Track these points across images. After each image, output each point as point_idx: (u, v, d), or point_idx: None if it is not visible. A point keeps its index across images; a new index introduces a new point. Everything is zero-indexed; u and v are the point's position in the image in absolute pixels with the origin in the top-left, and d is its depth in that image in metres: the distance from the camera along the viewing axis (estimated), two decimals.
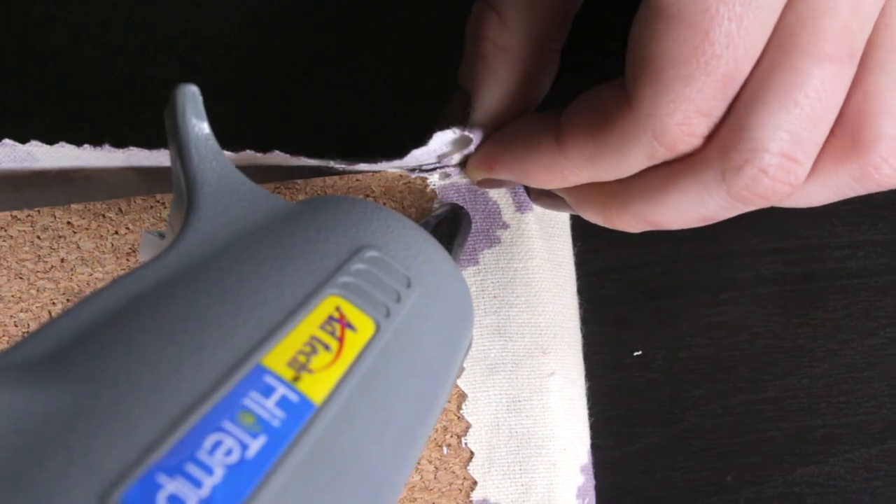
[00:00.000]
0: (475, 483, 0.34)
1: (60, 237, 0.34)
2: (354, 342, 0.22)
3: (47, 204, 0.34)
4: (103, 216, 0.34)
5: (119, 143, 0.31)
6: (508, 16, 0.32)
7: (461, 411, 0.34)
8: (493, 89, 0.33)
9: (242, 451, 0.18)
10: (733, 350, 0.37)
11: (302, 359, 0.20)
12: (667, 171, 0.29)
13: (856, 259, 0.37)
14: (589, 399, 0.36)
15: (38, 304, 0.34)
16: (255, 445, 0.18)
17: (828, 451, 0.37)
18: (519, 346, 0.34)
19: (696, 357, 0.37)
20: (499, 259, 0.35)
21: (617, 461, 0.37)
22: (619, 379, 0.37)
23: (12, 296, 0.34)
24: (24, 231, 0.34)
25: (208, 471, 0.17)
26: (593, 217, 0.33)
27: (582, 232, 0.36)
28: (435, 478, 0.34)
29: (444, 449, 0.34)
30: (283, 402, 0.19)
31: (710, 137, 0.28)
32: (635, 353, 0.37)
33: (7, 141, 0.31)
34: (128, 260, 0.34)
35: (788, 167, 0.27)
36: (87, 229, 0.34)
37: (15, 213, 0.34)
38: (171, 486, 0.17)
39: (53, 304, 0.34)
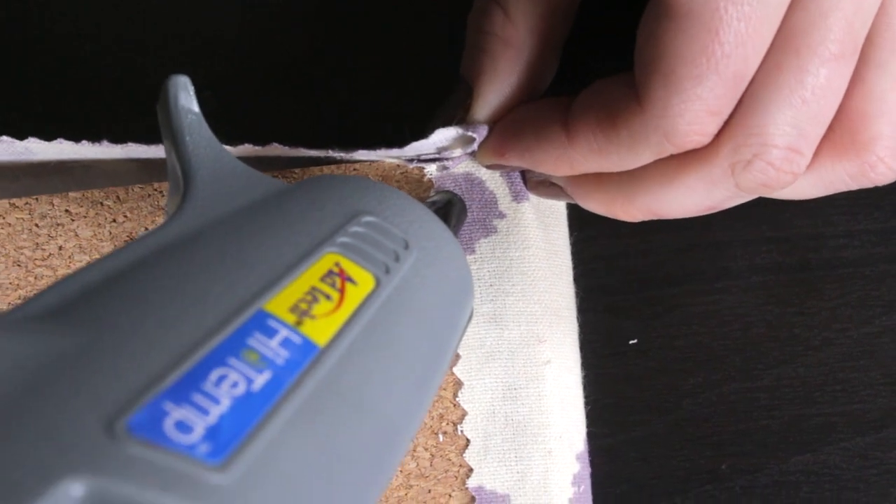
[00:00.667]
0: (471, 470, 0.34)
1: (59, 225, 0.34)
2: (355, 294, 0.22)
3: (45, 192, 0.35)
4: (101, 204, 0.34)
5: (117, 139, 0.31)
6: (512, 10, 0.32)
7: (457, 399, 0.34)
8: (496, 83, 0.33)
9: (248, 385, 0.18)
10: (728, 339, 0.37)
11: (304, 306, 0.21)
12: (674, 164, 0.30)
13: (851, 248, 0.38)
14: (585, 387, 0.36)
15: (36, 291, 0.34)
16: (261, 380, 0.18)
17: (823, 439, 0.37)
18: (515, 334, 0.34)
19: (691, 346, 0.37)
20: (495, 248, 0.35)
21: (612, 449, 0.37)
22: (614, 367, 0.37)
23: (10, 283, 0.34)
24: (22, 219, 0.34)
25: (215, 401, 0.17)
26: (595, 207, 0.33)
27: (578, 221, 0.36)
28: (431, 465, 0.34)
29: (440, 436, 0.34)
30: (286, 343, 0.20)
31: (719, 133, 0.28)
32: (631, 342, 0.37)
33: (5, 138, 0.31)
34: None
35: (793, 158, 0.28)
36: (84, 217, 0.34)
37: (13, 200, 0.34)
38: (178, 413, 0.17)
39: None
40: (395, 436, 0.21)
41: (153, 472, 0.16)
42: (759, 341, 0.37)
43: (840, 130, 0.29)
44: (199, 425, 0.17)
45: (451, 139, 0.33)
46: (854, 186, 0.30)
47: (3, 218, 0.34)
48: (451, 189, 0.35)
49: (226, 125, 0.36)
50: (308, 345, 0.20)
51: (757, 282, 0.37)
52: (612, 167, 0.30)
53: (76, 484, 0.15)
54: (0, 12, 0.37)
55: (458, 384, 0.34)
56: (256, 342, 0.19)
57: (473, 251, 0.35)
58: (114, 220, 0.34)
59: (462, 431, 0.34)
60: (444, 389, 0.34)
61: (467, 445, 0.34)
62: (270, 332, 0.20)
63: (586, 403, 0.36)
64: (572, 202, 0.34)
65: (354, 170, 0.35)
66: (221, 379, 0.18)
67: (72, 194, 0.34)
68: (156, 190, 0.34)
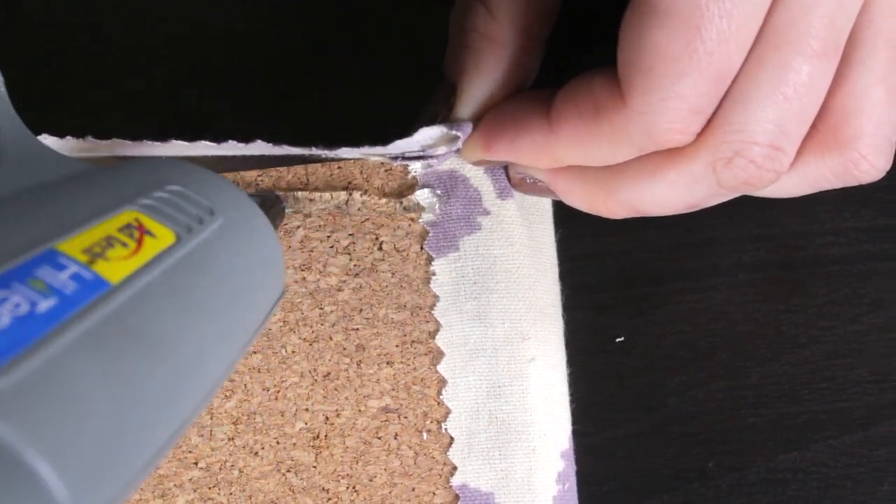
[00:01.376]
0: (455, 468, 0.34)
1: None
2: (153, 245, 0.22)
3: None
4: None
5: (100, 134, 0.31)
6: (495, 6, 0.32)
7: (441, 397, 0.34)
8: (480, 79, 0.33)
9: (32, 307, 0.18)
10: (715, 336, 0.37)
11: (98, 249, 0.21)
12: (655, 160, 0.30)
13: (838, 246, 0.37)
14: (570, 385, 0.36)
15: None
16: (45, 305, 0.18)
17: (810, 437, 0.37)
18: (499, 331, 0.34)
19: (677, 344, 0.37)
20: (479, 245, 0.35)
21: (598, 447, 0.37)
22: (600, 365, 0.37)
23: None
24: None
25: None
26: (578, 203, 0.33)
27: (563, 218, 0.36)
28: (415, 463, 0.34)
29: (424, 434, 0.34)
30: (75, 277, 0.20)
31: (701, 130, 0.28)
32: (617, 340, 0.37)
33: None
34: None
35: (774, 156, 0.28)
36: None
37: None
38: None
39: None
40: (187, 380, 0.21)
41: None
42: (746, 339, 0.37)
43: (823, 128, 0.29)
44: None
45: (435, 137, 0.33)
46: (838, 185, 0.30)
47: None
48: (435, 186, 0.35)
49: (213, 123, 0.36)
50: (99, 281, 0.20)
51: (743, 279, 0.37)
52: (594, 161, 0.30)
53: None
54: None
55: (442, 382, 0.34)
56: (44, 273, 0.19)
57: (457, 248, 0.35)
58: None
59: (446, 429, 0.34)
60: (428, 387, 0.34)
61: (451, 443, 0.34)
62: (59, 267, 0.20)
63: (572, 401, 0.36)
64: (556, 199, 0.34)
65: (339, 167, 0.35)
66: (3, 301, 0.18)
67: None
68: None
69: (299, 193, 0.35)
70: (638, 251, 0.37)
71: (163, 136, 0.32)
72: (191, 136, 0.32)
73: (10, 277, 0.19)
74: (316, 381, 0.34)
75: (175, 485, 0.34)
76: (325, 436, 0.34)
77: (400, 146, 0.32)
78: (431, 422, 0.34)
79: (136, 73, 0.38)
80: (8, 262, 0.19)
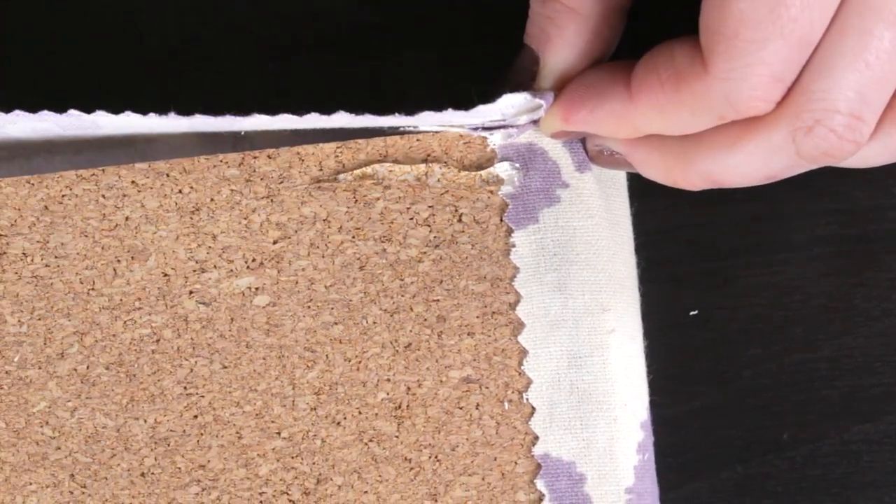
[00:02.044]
0: (536, 438, 0.34)
1: (125, 196, 0.34)
2: None
3: (109, 164, 0.35)
4: (167, 175, 0.34)
5: (182, 109, 0.32)
6: None
7: (522, 367, 0.35)
8: (563, 50, 0.33)
9: None
10: (789, 310, 0.37)
11: None
12: (735, 129, 0.30)
13: None
14: (646, 358, 0.36)
15: (103, 262, 0.34)
16: None
17: (884, 409, 0.37)
18: (579, 302, 0.35)
19: (751, 317, 0.37)
20: (558, 217, 0.35)
21: (674, 419, 0.37)
22: (675, 338, 0.37)
23: (77, 253, 0.34)
24: (88, 189, 0.34)
25: None
26: (655, 175, 0.33)
27: (639, 192, 0.36)
28: (496, 433, 0.34)
29: (506, 404, 0.35)
30: None
31: (781, 99, 0.28)
32: (691, 313, 0.38)
33: (73, 112, 0.31)
34: (191, 218, 0.34)
35: (855, 126, 0.28)
36: (150, 188, 0.34)
37: (80, 172, 0.34)
38: None
39: (118, 261, 0.34)
40: None
41: None
42: (820, 312, 0.37)
43: None
44: None
45: (517, 105, 0.33)
46: None
47: (71, 189, 0.34)
48: (514, 159, 0.35)
49: (291, 94, 0.36)
50: None
51: (817, 253, 0.37)
52: (673, 130, 0.31)
53: None
54: None
55: (523, 352, 0.35)
56: None
57: (537, 220, 0.35)
58: (179, 191, 0.34)
59: (527, 399, 0.35)
60: (509, 358, 0.35)
61: (532, 413, 0.35)
62: None
63: (648, 373, 0.36)
64: (632, 171, 0.34)
65: (418, 140, 0.35)
66: None
67: (137, 166, 0.34)
68: (221, 161, 0.35)
69: (379, 165, 0.35)
70: (712, 225, 0.38)
71: (244, 111, 0.32)
72: (271, 110, 0.32)
73: None
74: (397, 351, 0.35)
75: (258, 454, 0.34)
76: (407, 406, 0.34)
77: (482, 112, 0.33)
78: (513, 392, 0.35)
79: (198, 45, 0.38)
80: None
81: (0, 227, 0.34)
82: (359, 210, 0.34)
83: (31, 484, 0.34)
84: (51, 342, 0.34)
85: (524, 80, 0.33)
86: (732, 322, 0.37)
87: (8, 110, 0.31)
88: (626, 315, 0.35)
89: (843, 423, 0.37)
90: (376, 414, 0.34)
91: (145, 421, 0.34)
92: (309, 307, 0.34)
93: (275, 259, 0.34)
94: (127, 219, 0.34)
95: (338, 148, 0.35)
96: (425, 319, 0.35)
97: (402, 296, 0.35)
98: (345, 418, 0.34)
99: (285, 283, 0.34)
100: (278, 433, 0.34)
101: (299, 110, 0.32)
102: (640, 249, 0.36)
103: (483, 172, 0.35)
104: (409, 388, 0.34)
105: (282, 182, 0.34)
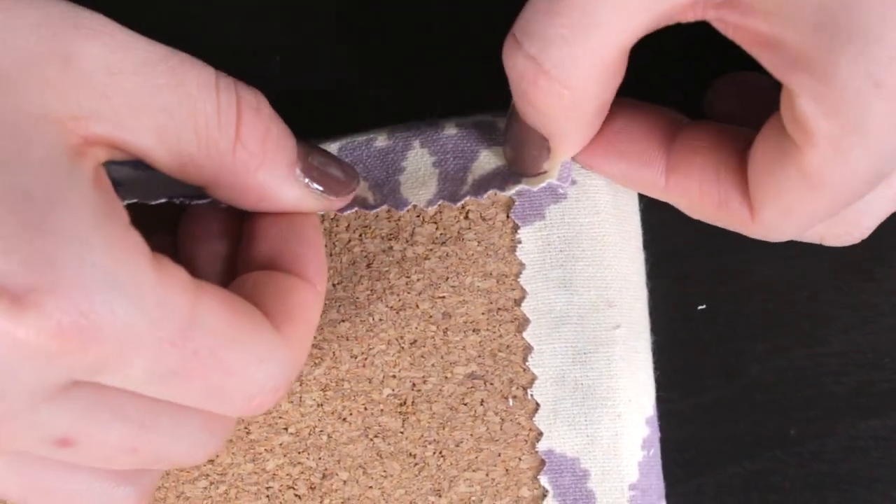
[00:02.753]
0: (540, 434, 0.35)
1: None
2: None
3: None
4: None
5: None
6: (566, 77, 0.28)
7: (527, 363, 0.35)
8: (570, 142, 0.32)
9: None
10: (797, 305, 0.37)
11: None
12: None
13: None
14: (654, 353, 0.36)
15: None
16: None
17: (892, 404, 0.37)
18: (585, 299, 0.35)
19: (759, 311, 0.37)
20: (564, 214, 0.35)
21: (681, 413, 0.37)
22: (683, 333, 0.37)
23: None
24: None
25: None
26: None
27: None
28: (501, 429, 0.35)
29: (510, 401, 0.35)
30: None
31: None
32: (699, 308, 0.37)
33: None
34: None
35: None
36: None
37: None
38: None
39: None
40: None
41: None
42: (828, 307, 0.37)
43: None
44: None
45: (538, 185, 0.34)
46: None
47: None
48: None
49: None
50: None
51: (826, 248, 0.37)
52: (703, 218, 0.33)
53: None
54: None
55: (528, 349, 0.35)
56: None
57: (543, 217, 0.35)
58: None
59: (532, 396, 0.35)
60: (514, 354, 0.35)
61: (537, 409, 0.35)
62: None
63: (655, 369, 0.36)
64: None
65: None
66: None
67: None
68: None
69: None
70: None
71: None
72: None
73: None
74: (403, 348, 0.35)
75: (266, 449, 0.35)
76: (412, 402, 0.35)
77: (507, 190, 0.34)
78: (517, 388, 0.35)
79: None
80: None
81: None
82: None
83: None
84: None
85: (543, 153, 0.33)
86: (740, 317, 0.37)
87: None
88: (632, 311, 0.35)
89: (850, 418, 0.37)
90: (381, 410, 0.35)
91: None
92: None
93: None
94: None
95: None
96: (431, 316, 0.35)
97: (409, 293, 0.35)
98: (350, 414, 0.35)
99: None
100: (285, 428, 0.35)
101: None
102: (648, 244, 0.36)
103: None
104: (414, 384, 0.35)
105: None
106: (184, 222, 0.32)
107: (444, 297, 0.35)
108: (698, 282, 0.38)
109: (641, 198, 0.36)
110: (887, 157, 0.26)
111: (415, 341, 0.35)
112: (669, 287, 0.37)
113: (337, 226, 0.35)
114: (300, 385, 0.35)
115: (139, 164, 0.29)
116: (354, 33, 0.38)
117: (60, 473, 0.27)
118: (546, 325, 0.35)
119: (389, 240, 0.35)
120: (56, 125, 0.24)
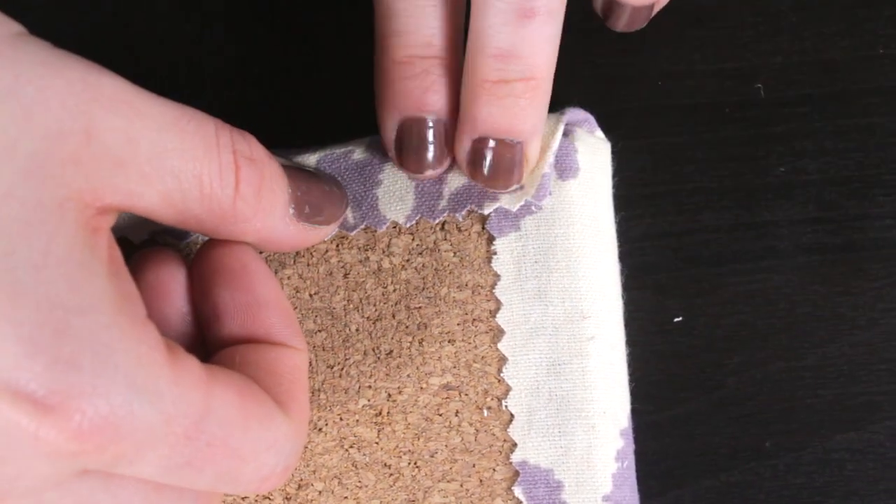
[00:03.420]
0: (515, 445, 0.35)
1: None
2: None
3: None
4: None
5: None
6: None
7: (501, 374, 0.35)
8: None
9: None
10: (773, 318, 0.37)
11: None
12: None
13: None
14: (630, 364, 0.36)
15: None
16: None
17: (868, 418, 0.37)
18: (559, 310, 0.35)
19: (735, 324, 0.37)
20: (540, 225, 0.35)
21: (657, 425, 0.37)
22: (659, 345, 0.37)
23: None
24: None
25: None
26: None
27: (624, 200, 0.37)
28: (475, 439, 0.35)
29: (485, 411, 0.35)
30: None
31: None
32: (676, 320, 0.38)
33: None
34: None
35: None
36: None
37: None
38: None
39: None
40: None
41: None
42: (804, 321, 0.37)
43: None
44: None
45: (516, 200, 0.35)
46: None
47: None
48: None
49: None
50: None
51: (802, 262, 0.37)
52: None
53: None
54: None
55: (503, 360, 0.35)
56: None
57: (518, 228, 0.35)
58: None
59: (506, 406, 0.35)
60: (489, 365, 0.35)
61: (511, 420, 0.35)
62: None
63: (631, 381, 0.36)
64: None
65: None
66: None
67: None
68: None
69: None
70: (697, 233, 0.38)
71: None
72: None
73: None
74: (379, 358, 0.35)
75: None
76: (388, 412, 0.35)
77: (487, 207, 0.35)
78: (492, 399, 0.35)
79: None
80: None
81: None
82: None
83: None
84: None
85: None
86: (717, 329, 0.37)
87: None
88: (606, 322, 0.35)
89: (826, 431, 0.37)
90: (357, 420, 0.35)
91: None
92: None
93: None
94: None
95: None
96: (406, 327, 0.35)
97: (385, 303, 0.35)
98: (326, 424, 0.35)
99: None
100: None
101: None
102: (624, 257, 0.37)
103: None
104: (389, 395, 0.35)
105: None
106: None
107: (419, 307, 0.35)
108: (675, 294, 0.38)
109: (617, 210, 0.36)
110: None
111: (390, 352, 0.35)
112: (646, 299, 0.37)
113: None
114: None
115: None
116: (339, 41, 0.38)
117: None
118: (521, 336, 0.35)
119: (366, 250, 0.35)
120: (76, 203, 0.25)
